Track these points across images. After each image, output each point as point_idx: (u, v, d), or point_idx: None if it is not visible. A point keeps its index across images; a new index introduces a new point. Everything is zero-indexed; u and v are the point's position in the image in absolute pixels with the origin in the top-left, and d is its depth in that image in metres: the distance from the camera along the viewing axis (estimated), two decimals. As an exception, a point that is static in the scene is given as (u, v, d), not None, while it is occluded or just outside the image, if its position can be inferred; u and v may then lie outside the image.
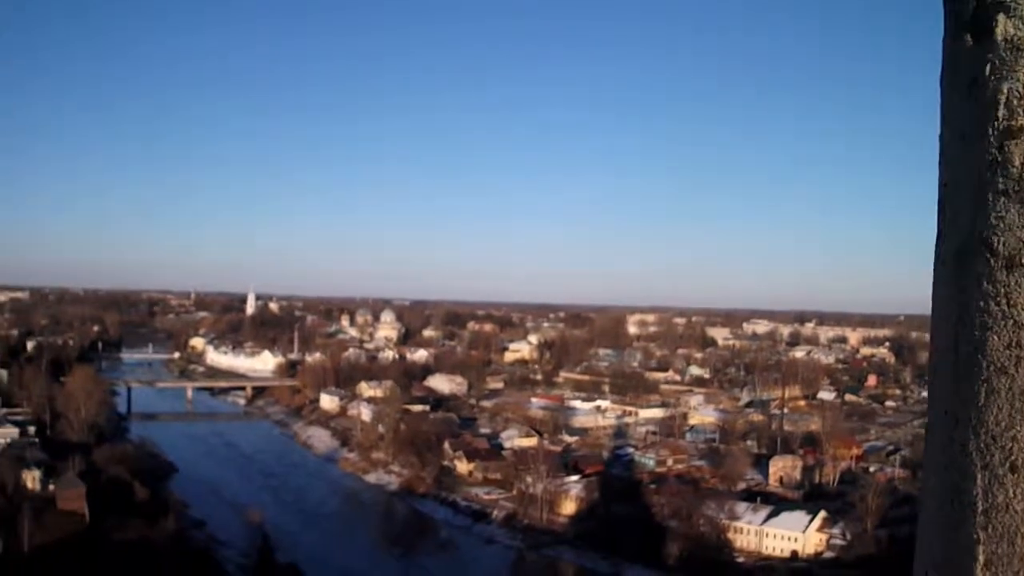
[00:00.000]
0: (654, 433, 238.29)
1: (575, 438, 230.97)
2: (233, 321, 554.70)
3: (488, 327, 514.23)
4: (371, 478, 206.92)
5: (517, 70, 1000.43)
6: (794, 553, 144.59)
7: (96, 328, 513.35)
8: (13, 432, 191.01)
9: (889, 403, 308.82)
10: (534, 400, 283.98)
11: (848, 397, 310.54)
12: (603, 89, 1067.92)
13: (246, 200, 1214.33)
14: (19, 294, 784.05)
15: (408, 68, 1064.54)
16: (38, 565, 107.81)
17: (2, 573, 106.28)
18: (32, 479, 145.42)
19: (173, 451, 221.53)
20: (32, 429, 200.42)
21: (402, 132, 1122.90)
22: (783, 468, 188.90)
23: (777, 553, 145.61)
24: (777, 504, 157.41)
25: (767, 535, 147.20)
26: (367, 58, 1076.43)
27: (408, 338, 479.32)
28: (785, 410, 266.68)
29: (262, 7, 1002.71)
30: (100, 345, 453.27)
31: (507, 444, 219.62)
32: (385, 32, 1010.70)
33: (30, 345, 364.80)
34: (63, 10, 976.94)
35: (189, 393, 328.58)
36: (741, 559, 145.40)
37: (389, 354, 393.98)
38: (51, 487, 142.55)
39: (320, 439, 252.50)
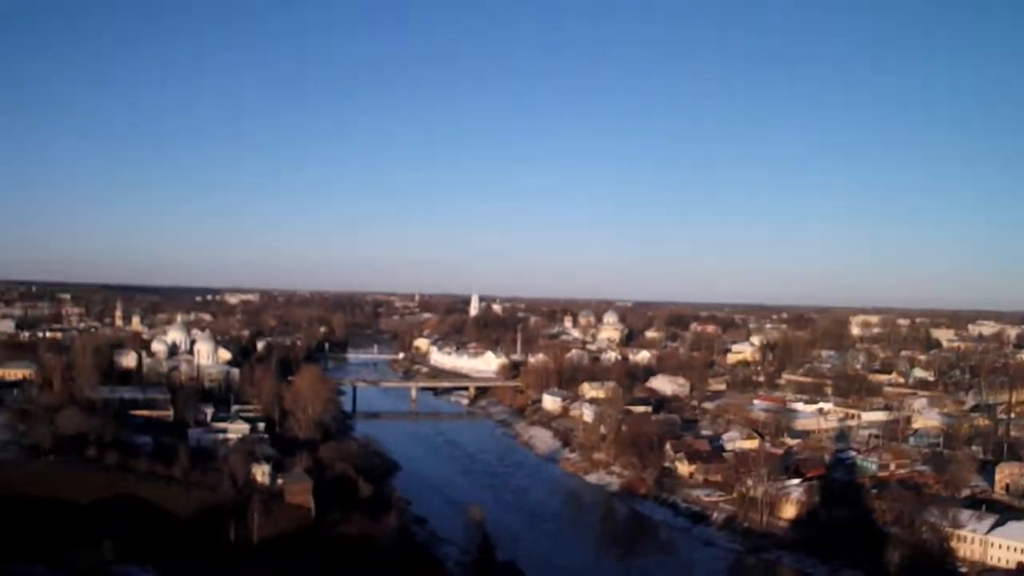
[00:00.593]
0: (876, 437, 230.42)
1: (797, 440, 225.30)
2: (456, 322, 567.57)
3: (710, 328, 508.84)
4: (592, 478, 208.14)
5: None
6: (1020, 565, 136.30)
7: (323, 329, 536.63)
8: (244, 428, 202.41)
9: None
10: (756, 401, 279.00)
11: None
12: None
13: (469, 203, 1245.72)
14: (250, 296, 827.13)
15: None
16: (266, 555, 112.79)
17: (233, 561, 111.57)
18: (262, 473, 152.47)
19: (397, 449, 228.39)
20: (262, 425, 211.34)
21: (619, 136, 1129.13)
22: (1010, 475, 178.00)
23: (1003, 564, 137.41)
24: (1003, 513, 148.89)
25: (992, 545, 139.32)
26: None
27: (631, 339, 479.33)
28: (1012, 415, 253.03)
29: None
30: (327, 345, 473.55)
31: (728, 446, 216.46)
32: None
33: (260, 345, 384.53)
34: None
35: (413, 393, 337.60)
36: (964, 569, 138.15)
37: (612, 355, 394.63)
38: (279, 481, 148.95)
39: (542, 439, 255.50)
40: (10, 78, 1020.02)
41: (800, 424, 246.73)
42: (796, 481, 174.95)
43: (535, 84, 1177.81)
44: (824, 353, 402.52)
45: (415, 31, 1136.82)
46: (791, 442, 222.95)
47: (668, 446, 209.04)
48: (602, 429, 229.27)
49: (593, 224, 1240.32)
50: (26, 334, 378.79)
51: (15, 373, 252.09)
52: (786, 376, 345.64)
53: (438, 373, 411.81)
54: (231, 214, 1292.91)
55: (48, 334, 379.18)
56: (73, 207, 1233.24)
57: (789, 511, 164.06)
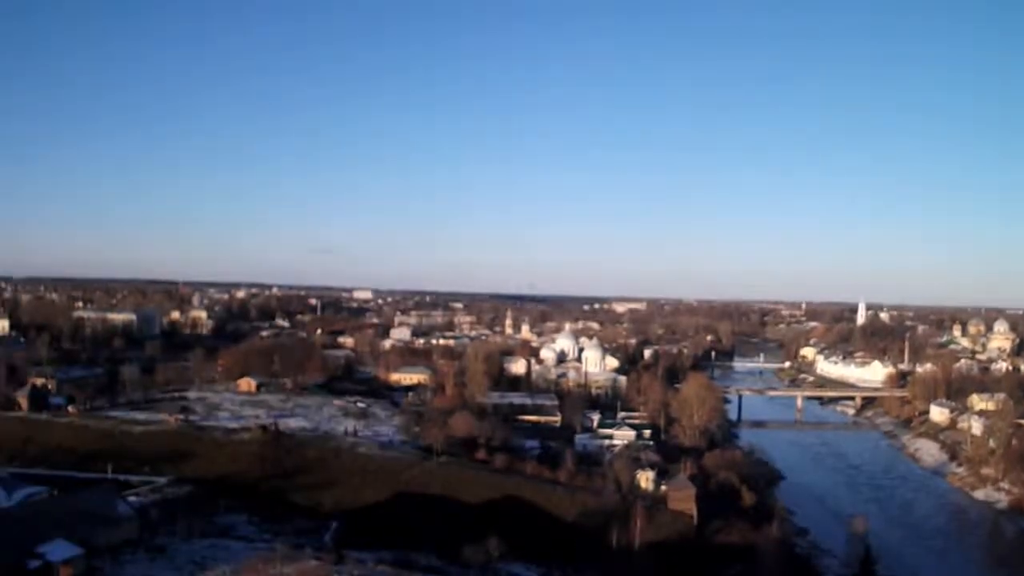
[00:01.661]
0: None
1: None
2: (843, 331, 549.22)
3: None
4: (979, 494, 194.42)
5: None
6: None
7: (709, 337, 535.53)
8: (630, 435, 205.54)
9: None
10: None
11: None
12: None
13: (854, 210, 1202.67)
14: (637, 305, 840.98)
15: None
16: (647, 560, 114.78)
17: (614, 565, 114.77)
18: (646, 479, 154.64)
19: (780, 458, 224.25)
20: (647, 432, 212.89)
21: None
22: None
23: None
24: None
25: None
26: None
27: (1022, 348, 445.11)
28: None
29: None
30: (713, 354, 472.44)
31: None
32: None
33: (647, 353, 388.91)
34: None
35: (799, 402, 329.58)
36: None
37: (1002, 365, 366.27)
38: (663, 488, 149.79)
39: (927, 452, 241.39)
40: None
41: None
42: None
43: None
44: None
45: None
46: None
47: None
48: (991, 443, 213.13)
49: (982, 228, 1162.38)
50: (421, 341, 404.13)
51: (411, 378, 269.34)
52: None
53: (824, 382, 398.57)
54: (615, 225, 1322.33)
55: (441, 341, 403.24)
56: (464, 221, 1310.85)
57: None
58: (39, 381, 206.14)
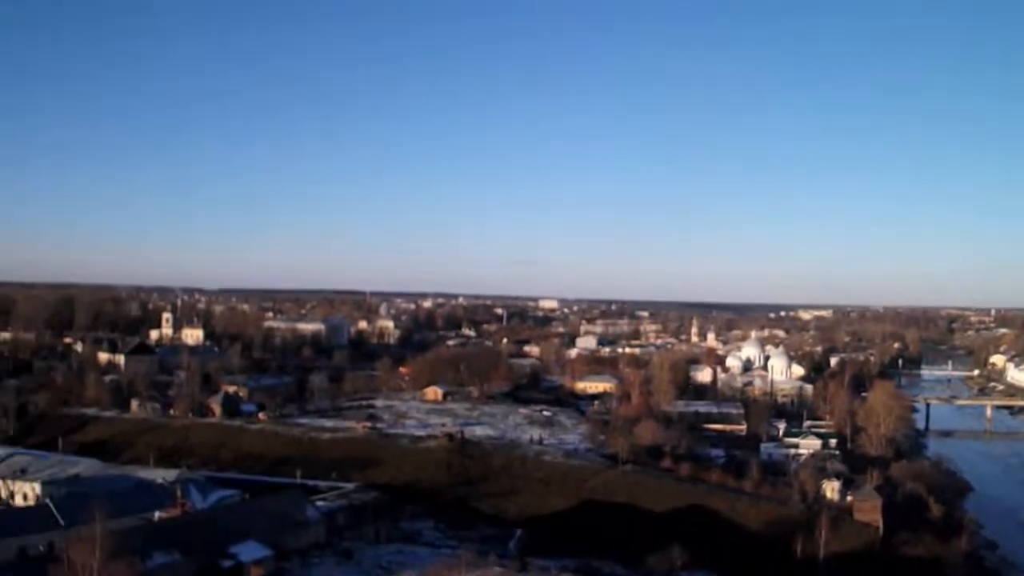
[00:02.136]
0: None
1: None
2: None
3: None
4: None
5: None
6: None
7: (896, 345, 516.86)
8: (816, 444, 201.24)
9: None
10: None
11: None
12: None
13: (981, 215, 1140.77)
14: (823, 312, 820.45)
15: None
16: (831, 571, 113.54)
17: (800, 574, 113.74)
18: (831, 489, 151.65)
19: (969, 470, 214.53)
20: (833, 441, 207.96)
21: None
22: None
23: None
24: None
25: None
26: None
27: None
28: None
29: None
30: (900, 361, 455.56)
31: None
32: None
33: (833, 361, 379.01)
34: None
35: (988, 411, 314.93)
36: None
37: None
38: (848, 498, 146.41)
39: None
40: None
41: None
42: None
43: None
44: None
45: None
46: None
47: None
48: None
49: None
50: (606, 350, 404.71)
51: (597, 386, 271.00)
52: None
53: (1014, 391, 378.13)
54: (801, 233, 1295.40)
55: (627, 350, 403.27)
56: (650, 230, 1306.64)
57: None
58: (232, 389, 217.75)
